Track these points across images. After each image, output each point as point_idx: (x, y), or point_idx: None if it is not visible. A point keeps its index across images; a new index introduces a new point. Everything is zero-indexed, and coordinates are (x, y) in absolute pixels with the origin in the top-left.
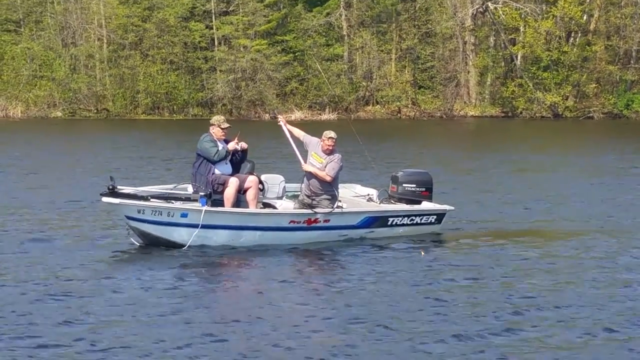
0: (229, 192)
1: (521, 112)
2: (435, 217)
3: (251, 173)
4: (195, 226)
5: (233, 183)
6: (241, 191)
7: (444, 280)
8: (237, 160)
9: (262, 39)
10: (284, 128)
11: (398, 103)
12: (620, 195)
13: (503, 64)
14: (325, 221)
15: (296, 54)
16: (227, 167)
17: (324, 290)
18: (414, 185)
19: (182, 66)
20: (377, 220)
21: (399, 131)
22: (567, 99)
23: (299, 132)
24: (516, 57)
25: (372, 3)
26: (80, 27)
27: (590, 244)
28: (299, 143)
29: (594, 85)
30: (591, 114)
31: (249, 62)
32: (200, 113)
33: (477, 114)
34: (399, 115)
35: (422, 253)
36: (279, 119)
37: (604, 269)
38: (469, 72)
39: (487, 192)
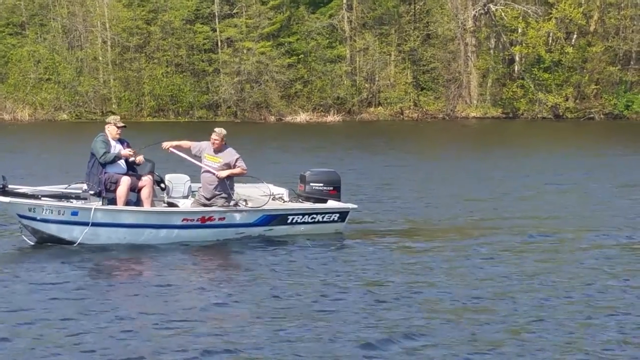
0: (121, 191)
1: (522, 113)
2: (337, 215)
3: (151, 173)
4: (85, 224)
5: (125, 182)
6: (136, 190)
7: (335, 275)
8: (133, 163)
9: (266, 41)
10: (175, 151)
11: (400, 104)
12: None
13: (504, 65)
14: (221, 219)
15: (300, 56)
16: (119, 167)
17: (212, 284)
18: (321, 185)
19: (187, 69)
20: (276, 218)
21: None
22: (567, 100)
23: (186, 144)
24: (517, 58)
25: (374, 5)
26: (85, 30)
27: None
28: (191, 155)
29: (594, 86)
30: (592, 115)
31: (254, 64)
32: (205, 115)
33: (479, 115)
34: (401, 116)
35: (308, 243)
36: (165, 147)
37: (511, 264)
38: (470, 73)
39: (417, 191)
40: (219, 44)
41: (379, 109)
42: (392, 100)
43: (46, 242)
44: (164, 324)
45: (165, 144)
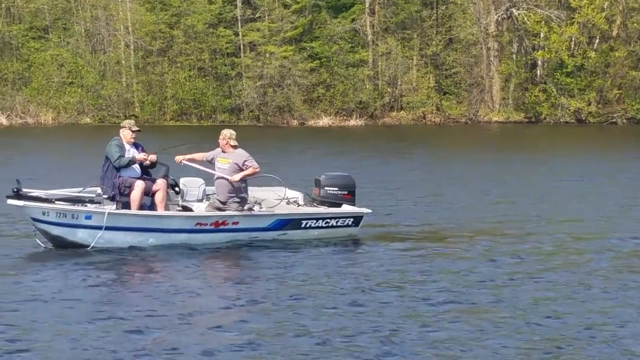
0: (135, 195)
1: (545, 118)
2: (352, 219)
3: (165, 176)
4: (99, 228)
5: (139, 186)
6: (150, 194)
7: (348, 279)
8: (147, 166)
9: (289, 45)
10: (188, 164)
11: (423, 109)
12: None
13: (526, 69)
14: (234, 223)
15: (322, 60)
16: (134, 171)
17: (225, 289)
18: (336, 189)
19: (209, 73)
20: (289, 223)
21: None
22: (590, 105)
23: (198, 156)
24: (539, 62)
25: (397, 9)
26: (109, 34)
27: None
28: (205, 164)
29: (617, 90)
30: (614, 120)
31: (276, 68)
32: (228, 119)
33: (501, 120)
34: (424, 120)
35: (322, 247)
36: (178, 161)
37: (519, 269)
38: (492, 77)
39: (433, 195)
40: (242, 47)
41: (401, 113)
42: (414, 105)
43: (60, 246)
44: (178, 327)
45: (178, 158)
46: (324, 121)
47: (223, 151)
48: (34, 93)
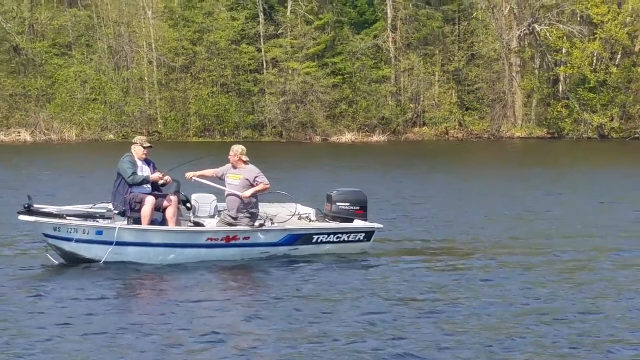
0: (146, 210)
1: (568, 134)
2: (363, 234)
3: (177, 192)
4: (110, 243)
5: (149, 202)
6: (161, 210)
7: (358, 294)
8: (161, 185)
9: (311, 61)
10: (199, 180)
11: (446, 125)
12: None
13: (549, 85)
14: (245, 238)
15: (345, 77)
16: (145, 187)
17: (236, 304)
18: (348, 204)
19: (232, 89)
20: (301, 238)
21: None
22: (612, 120)
23: (209, 172)
24: (562, 78)
25: (419, 26)
26: (132, 50)
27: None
28: (216, 181)
29: None
30: (637, 135)
31: (299, 84)
32: (251, 136)
33: (524, 135)
34: (446, 136)
35: (333, 263)
36: (189, 178)
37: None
38: (515, 93)
39: (448, 211)
40: (265, 64)
41: (424, 129)
42: (437, 121)
43: (72, 261)
44: (188, 342)
45: (189, 175)
46: (347, 137)
47: (234, 167)
48: (58, 110)
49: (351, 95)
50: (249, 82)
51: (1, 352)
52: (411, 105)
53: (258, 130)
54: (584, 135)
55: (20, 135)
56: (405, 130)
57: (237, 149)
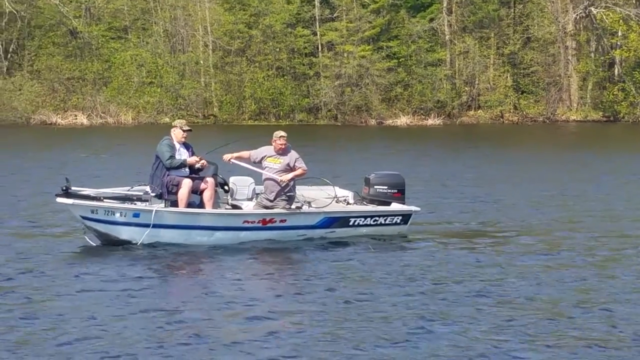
0: (182, 193)
1: (623, 117)
2: (400, 217)
3: (214, 175)
4: (147, 226)
5: (186, 184)
6: (198, 192)
7: (394, 277)
8: (198, 169)
9: (367, 44)
10: (236, 162)
11: (500, 108)
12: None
13: (604, 68)
14: (282, 221)
15: (400, 60)
16: (182, 169)
17: (271, 287)
18: (386, 187)
19: (287, 72)
20: (337, 221)
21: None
22: None
23: (245, 154)
24: (617, 61)
25: (474, 8)
26: (187, 34)
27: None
28: (252, 164)
29: None
30: None
31: (354, 67)
32: (306, 119)
33: (579, 119)
34: (501, 119)
35: (370, 245)
36: (226, 160)
37: (570, 268)
38: (570, 76)
39: (490, 194)
40: (320, 47)
41: (479, 112)
42: (492, 104)
43: (108, 243)
44: (223, 323)
45: (226, 156)
46: (402, 120)
47: (275, 151)
48: (114, 93)
49: (406, 79)
50: (304, 65)
51: (41, 331)
52: (466, 88)
53: (313, 113)
54: (639, 119)
55: (76, 118)
56: (460, 114)
57: (281, 134)
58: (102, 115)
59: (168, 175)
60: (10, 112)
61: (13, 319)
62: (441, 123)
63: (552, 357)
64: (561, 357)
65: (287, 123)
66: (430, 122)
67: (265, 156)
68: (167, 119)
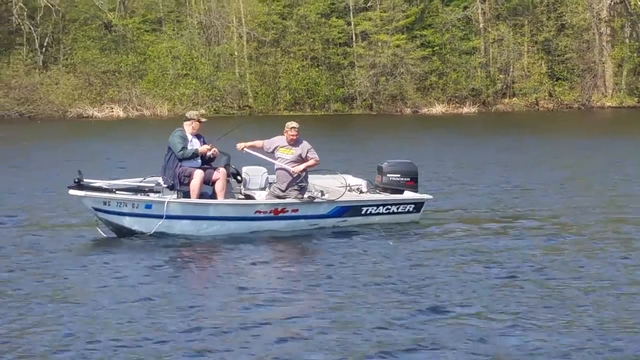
0: (194, 184)
1: None
2: (412, 205)
3: (226, 165)
4: (159, 217)
5: (198, 175)
6: (209, 183)
7: (409, 265)
8: (209, 158)
9: (401, 34)
10: (249, 151)
11: (535, 95)
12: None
13: (639, 54)
14: (294, 211)
15: (434, 48)
16: (194, 160)
17: (284, 276)
18: (398, 175)
19: (322, 62)
20: (349, 210)
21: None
22: None
23: (258, 143)
24: None
25: None
26: (222, 25)
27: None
28: (265, 153)
29: None
30: None
31: (389, 57)
32: (341, 108)
33: (614, 105)
34: (536, 107)
35: (382, 234)
36: (240, 149)
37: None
38: (605, 63)
39: (508, 182)
40: (354, 37)
41: (514, 99)
42: (526, 91)
43: (121, 234)
44: (236, 312)
45: (240, 145)
46: (437, 109)
47: (287, 141)
48: (150, 85)
49: (441, 67)
50: (338, 55)
51: (53, 319)
52: (500, 76)
53: (348, 103)
54: None
55: (112, 111)
56: (495, 101)
57: (293, 124)
58: (138, 107)
59: (180, 166)
60: (47, 105)
61: (26, 307)
62: (476, 111)
63: (578, 342)
64: (584, 343)
65: (323, 113)
66: (465, 110)
67: (277, 146)
68: (203, 111)
